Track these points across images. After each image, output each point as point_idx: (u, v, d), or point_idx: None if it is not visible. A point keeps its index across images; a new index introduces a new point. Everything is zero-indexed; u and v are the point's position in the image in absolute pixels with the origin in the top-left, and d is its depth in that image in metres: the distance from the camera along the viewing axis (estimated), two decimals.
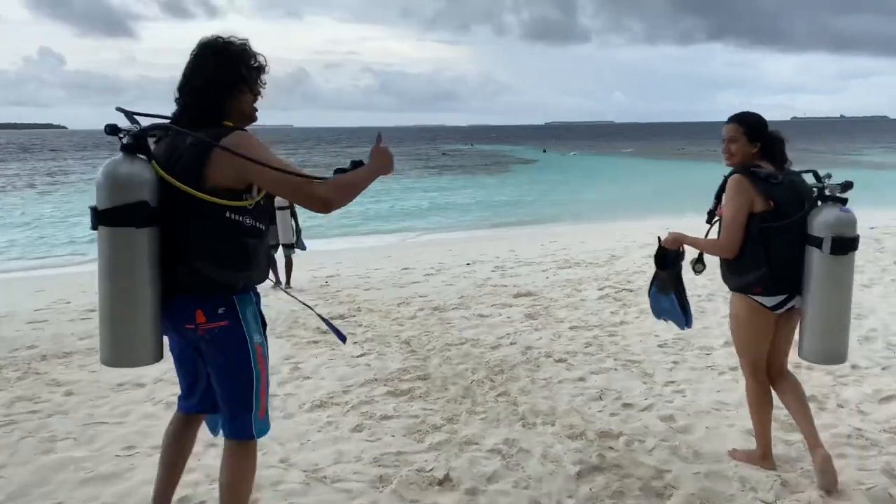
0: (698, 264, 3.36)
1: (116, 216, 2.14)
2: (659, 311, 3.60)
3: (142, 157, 2.21)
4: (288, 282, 9.00)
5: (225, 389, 2.37)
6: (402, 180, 38.56)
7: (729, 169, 3.18)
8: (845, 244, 2.87)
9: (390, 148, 2.53)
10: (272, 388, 4.66)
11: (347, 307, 7.45)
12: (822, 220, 2.89)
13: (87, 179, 38.39)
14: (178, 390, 2.71)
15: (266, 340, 2.46)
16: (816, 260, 2.91)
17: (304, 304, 3.12)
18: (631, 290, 7.67)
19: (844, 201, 2.95)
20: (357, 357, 5.43)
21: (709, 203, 3.35)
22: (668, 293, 3.47)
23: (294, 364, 5.28)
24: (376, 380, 4.87)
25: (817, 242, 2.89)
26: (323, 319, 2.89)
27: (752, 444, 3.54)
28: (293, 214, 8.69)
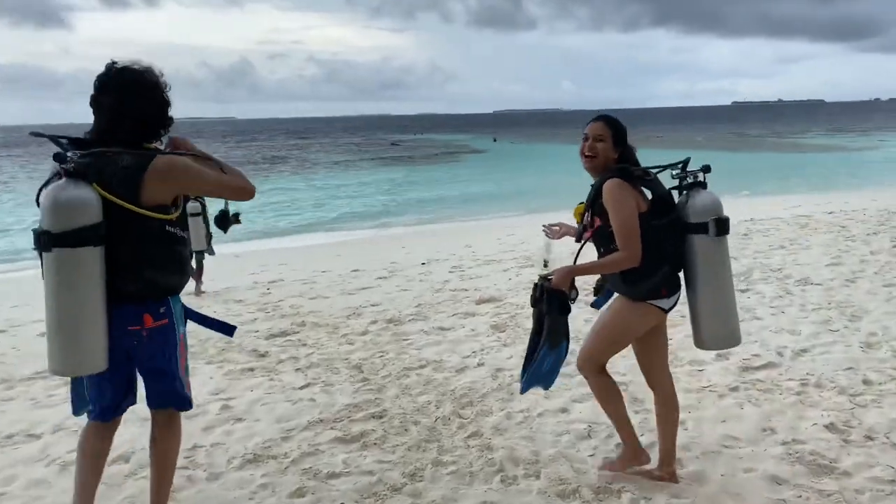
0: (572, 290, 2.91)
1: (73, 238, 2.30)
2: (536, 378, 3.00)
3: (83, 181, 2.35)
4: (199, 288, 8.78)
5: (159, 373, 2.65)
6: (350, 173, 37.61)
7: (591, 177, 3.06)
8: (726, 224, 2.88)
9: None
10: (197, 437, 3.88)
11: (290, 321, 6.62)
12: (700, 205, 2.87)
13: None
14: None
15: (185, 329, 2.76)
16: (701, 246, 2.88)
17: (202, 320, 2.88)
18: None
19: (705, 185, 2.94)
20: (299, 389, 4.62)
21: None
22: (560, 345, 2.92)
23: (224, 401, 4.45)
24: (322, 420, 4.08)
25: (701, 228, 2.86)
26: (202, 320, 2.86)
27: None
28: (205, 220, 8.52)
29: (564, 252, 3.45)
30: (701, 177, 2.94)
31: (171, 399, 2.73)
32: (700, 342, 3.03)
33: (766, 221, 11.37)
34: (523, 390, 3.09)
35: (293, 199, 26.01)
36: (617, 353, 3.16)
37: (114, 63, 2.49)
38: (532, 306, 2.94)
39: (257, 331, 6.29)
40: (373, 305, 7.17)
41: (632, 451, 3.19)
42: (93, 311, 2.38)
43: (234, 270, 10.50)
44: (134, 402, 2.77)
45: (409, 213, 21.82)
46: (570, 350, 3.00)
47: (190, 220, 8.22)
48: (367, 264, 10.67)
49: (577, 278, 2.89)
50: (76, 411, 2.78)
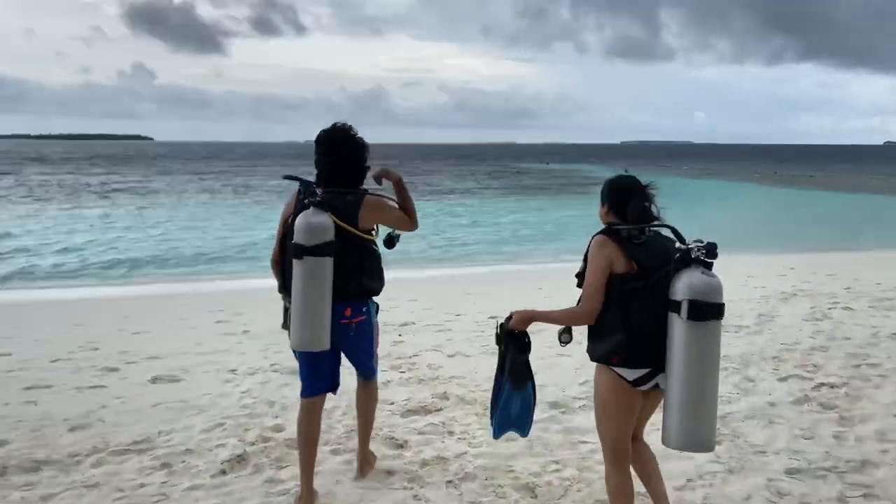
0: (564, 334, 2.94)
1: (318, 251, 3.15)
2: (507, 423, 3.05)
3: (324, 211, 3.22)
4: None
5: (362, 354, 3.59)
6: (475, 200, 36.78)
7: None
8: (704, 309, 2.61)
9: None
10: None
11: (430, 390, 5.47)
12: (682, 283, 2.66)
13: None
14: None
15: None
16: (676, 328, 2.67)
17: None
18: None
19: (709, 265, 2.69)
20: None
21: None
22: (525, 387, 3.00)
23: None
24: None
25: (676, 307, 2.66)
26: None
27: None
28: None
29: None
30: (700, 254, 2.67)
31: (366, 372, 3.71)
32: (663, 437, 2.76)
33: None
34: (495, 434, 3.09)
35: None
36: (617, 432, 2.91)
37: (333, 125, 3.40)
38: (497, 345, 3.02)
39: (392, 402, 5.16)
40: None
41: None
42: (326, 304, 3.19)
43: None
44: (338, 385, 3.62)
45: (544, 245, 20.47)
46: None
47: None
48: (504, 311, 9.44)
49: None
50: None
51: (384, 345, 7.19)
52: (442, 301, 11.23)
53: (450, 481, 3.75)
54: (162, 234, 22.16)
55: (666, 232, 2.87)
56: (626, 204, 2.86)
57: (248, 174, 61.25)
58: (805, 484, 3.61)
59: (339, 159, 3.36)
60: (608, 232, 2.84)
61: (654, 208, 2.89)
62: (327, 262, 3.17)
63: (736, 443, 4.17)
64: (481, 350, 6.86)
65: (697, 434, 2.65)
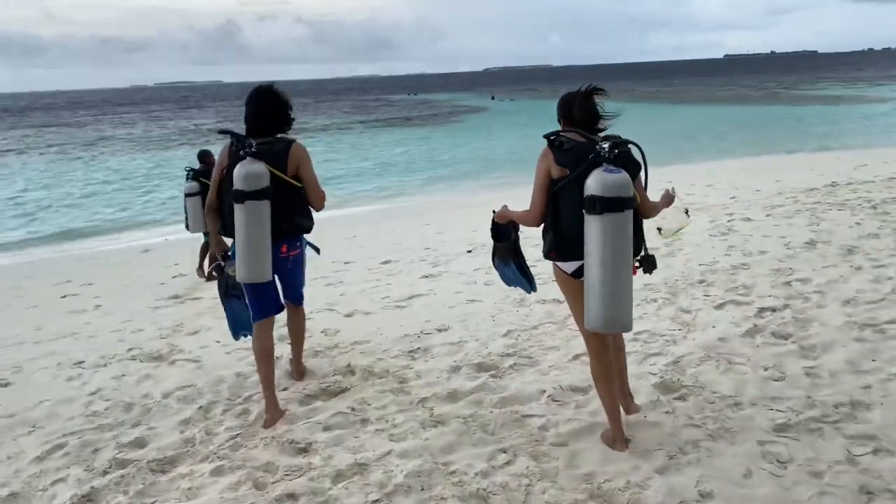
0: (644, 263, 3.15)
1: (261, 194, 3.54)
2: (506, 280, 3.81)
3: (260, 160, 3.60)
4: (202, 269, 8.68)
5: (297, 282, 4.10)
6: (349, 138, 35.13)
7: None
8: (601, 204, 2.81)
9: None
10: None
11: (330, 363, 4.55)
12: (589, 181, 2.87)
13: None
14: None
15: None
16: (585, 221, 2.89)
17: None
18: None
19: (610, 161, 2.88)
20: None
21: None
22: (508, 263, 3.66)
23: None
24: None
25: (584, 204, 2.87)
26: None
27: None
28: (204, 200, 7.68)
29: None
30: (605, 153, 2.89)
31: (297, 298, 4.21)
32: (585, 320, 2.97)
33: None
34: (506, 284, 3.86)
35: None
36: (577, 321, 3.21)
37: (259, 86, 3.82)
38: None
39: (285, 388, 4.20)
40: (439, 331, 5.07)
41: (612, 435, 3.17)
42: (267, 241, 3.62)
43: None
44: (282, 307, 4.05)
45: (427, 179, 19.59)
46: None
47: (188, 200, 8.19)
48: (396, 253, 8.57)
49: None
50: (235, 336, 4.20)
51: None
52: (326, 249, 10.22)
53: (376, 502, 2.86)
54: None
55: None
56: (571, 110, 3.07)
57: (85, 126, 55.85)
58: (802, 444, 3.03)
59: (265, 112, 3.75)
60: (548, 142, 3.05)
61: (598, 109, 3.05)
62: (265, 205, 3.57)
63: (704, 396, 3.56)
64: (382, 305, 5.98)
65: (614, 316, 2.85)
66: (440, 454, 3.20)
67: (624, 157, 2.93)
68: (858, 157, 15.00)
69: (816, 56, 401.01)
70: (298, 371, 4.38)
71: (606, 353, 3.13)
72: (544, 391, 3.80)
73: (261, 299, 3.86)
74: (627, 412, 3.36)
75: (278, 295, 3.99)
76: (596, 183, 2.80)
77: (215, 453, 3.41)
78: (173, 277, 9.04)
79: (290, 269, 3.94)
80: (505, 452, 3.16)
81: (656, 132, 24.71)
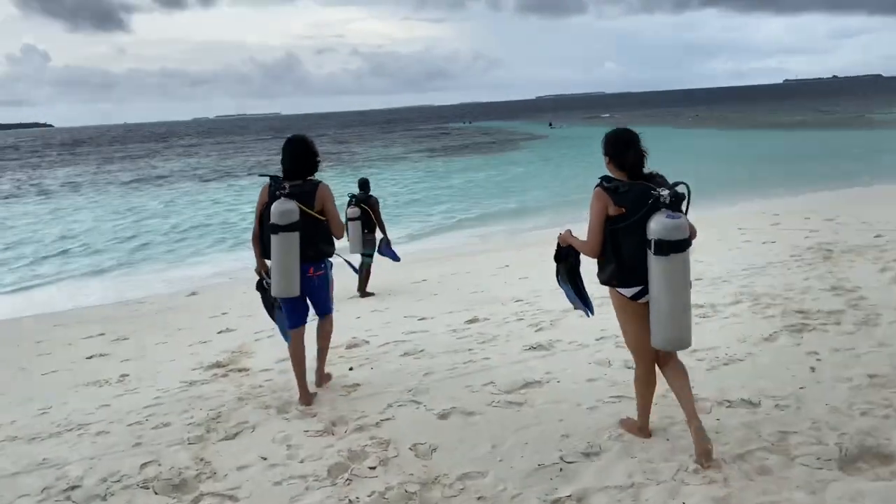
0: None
1: (288, 228, 4.29)
2: (570, 300, 3.92)
3: (291, 199, 4.37)
4: (364, 289, 9.04)
5: (323, 297, 4.69)
6: (406, 165, 33.93)
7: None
8: (667, 246, 3.13)
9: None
10: None
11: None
12: (651, 225, 3.17)
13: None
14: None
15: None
16: (650, 259, 3.21)
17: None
18: None
19: (668, 206, 3.16)
20: None
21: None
22: (566, 283, 3.83)
23: None
24: None
25: (649, 244, 3.19)
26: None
27: None
28: (367, 224, 8.80)
29: None
30: (665, 199, 3.16)
31: (326, 311, 4.79)
32: (652, 340, 3.34)
33: None
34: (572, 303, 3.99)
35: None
36: (633, 337, 3.51)
37: (293, 136, 4.59)
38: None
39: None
40: (587, 456, 3.44)
41: (640, 425, 3.62)
42: (296, 265, 4.36)
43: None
44: (306, 320, 4.73)
45: (496, 213, 18.10)
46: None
47: (350, 224, 8.85)
48: (481, 306, 7.07)
49: None
50: (286, 338, 4.72)
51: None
52: (394, 297, 8.70)
53: None
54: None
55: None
56: (624, 156, 3.35)
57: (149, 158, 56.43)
58: None
59: (296, 159, 4.49)
60: (600, 184, 3.36)
61: (644, 159, 3.36)
62: (295, 236, 4.33)
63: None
64: (489, 399, 4.37)
65: (675, 338, 3.25)
66: None
67: (676, 197, 3.18)
68: None
69: (880, 80, 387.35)
70: (321, 376, 4.93)
71: (653, 365, 3.51)
72: None
73: (294, 311, 4.67)
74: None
75: (307, 309, 4.73)
76: (661, 227, 3.13)
77: None
78: (218, 333, 7.65)
79: (317, 287, 4.64)
80: None
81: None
